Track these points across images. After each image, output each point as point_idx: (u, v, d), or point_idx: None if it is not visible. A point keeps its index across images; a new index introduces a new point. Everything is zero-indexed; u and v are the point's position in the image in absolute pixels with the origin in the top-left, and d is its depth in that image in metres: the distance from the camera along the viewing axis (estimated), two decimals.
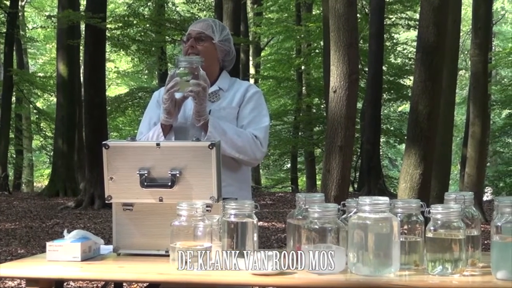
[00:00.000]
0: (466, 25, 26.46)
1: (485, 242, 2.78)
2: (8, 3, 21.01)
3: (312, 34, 23.81)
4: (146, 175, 2.82)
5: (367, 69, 19.95)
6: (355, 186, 21.81)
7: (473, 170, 13.49)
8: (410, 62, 23.50)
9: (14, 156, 26.65)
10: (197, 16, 24.52)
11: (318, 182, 23.73)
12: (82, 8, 20.01)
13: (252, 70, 26.58)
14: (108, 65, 27.53)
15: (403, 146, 12.03)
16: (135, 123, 25.78)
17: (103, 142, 2.86)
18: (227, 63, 3.55)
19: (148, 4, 24.78)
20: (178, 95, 3.24)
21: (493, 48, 28.10)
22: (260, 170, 28.30)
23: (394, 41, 25.14)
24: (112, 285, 3.27)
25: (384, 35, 20.45)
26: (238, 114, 3.41)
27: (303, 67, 25.50)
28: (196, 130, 3.28)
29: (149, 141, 3.24)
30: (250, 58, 26.15)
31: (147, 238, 2.88)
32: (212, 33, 3.42)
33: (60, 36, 19.35)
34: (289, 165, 28.68)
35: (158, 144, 2.84)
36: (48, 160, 29.53)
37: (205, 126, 3.22)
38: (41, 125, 26.94)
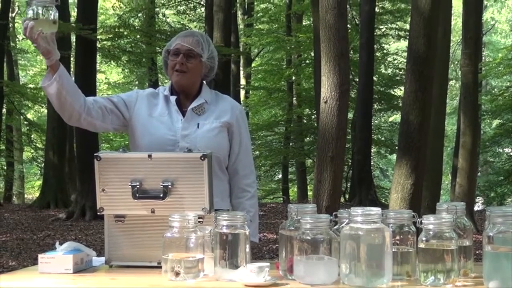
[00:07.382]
0: (456, 36, 26.55)
1: (477, 252, 2.78)
2: None
3: (302, 45, 23.82)
4: (138, 186, 2.82)
5: (357, 80, 19.96)
6: (347, 196, 21.79)
7: (464, 180, 13.50)
8: (401, 73, 23.50)
9: (5, 168, 26.53)
10: (187, 27, 24.53)
11: (310, 193, 23.74)
12: (72, 19, 19.95)
13: (242, 81, 26.58)
14: (99, 76, 27.45)
15: (394, 156, 12.02)
16: (126, 134, 25.59)
17: (95, 154, 2.86)
18: (208, 78, 3.61)
19: (139, 15, 24.77)
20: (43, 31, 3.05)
21: (483, 58, 28.18)
22: None
23: (385, 51, 25.17)
24: None
25: (374, 46, 20.48)
26: (232, 136, 3.50)
27: (293, 78, 25.49)
28: (185, 143, 3.30)
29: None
30: (241, 68, 26.13)
31: (139, 249, 2.87)
32: (202, 50, 3.45)
33: None
34: (280, 176, 28.62)
35: (150, 156, 2.85)
36: (39, 171, 29.41)
37: (56, 66, 3.17)
38: (32, 136, 26.77)
